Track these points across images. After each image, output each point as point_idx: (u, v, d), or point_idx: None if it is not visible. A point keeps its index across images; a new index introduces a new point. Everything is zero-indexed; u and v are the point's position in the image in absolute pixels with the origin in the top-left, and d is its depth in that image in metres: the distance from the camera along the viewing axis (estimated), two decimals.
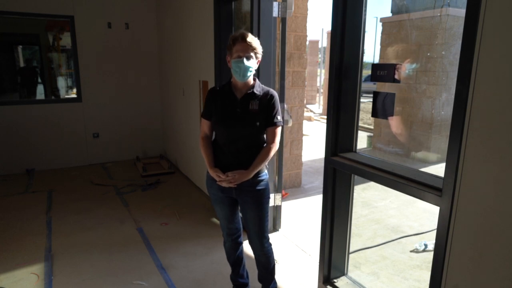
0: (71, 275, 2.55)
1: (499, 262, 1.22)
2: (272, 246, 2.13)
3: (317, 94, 14.32)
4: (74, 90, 5.23)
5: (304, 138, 4.69)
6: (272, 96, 1.90)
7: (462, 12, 1.45)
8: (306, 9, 4.20)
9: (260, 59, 1.89)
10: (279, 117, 1.90)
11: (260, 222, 1.99)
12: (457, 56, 1.28)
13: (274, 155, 1.95)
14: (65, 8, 4.75)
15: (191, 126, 4.30)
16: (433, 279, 1.48)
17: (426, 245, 2.80)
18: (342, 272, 2.27)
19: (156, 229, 3.26)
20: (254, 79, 1.93)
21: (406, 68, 4.18)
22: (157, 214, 3.58)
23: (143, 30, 5.30)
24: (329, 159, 2.07)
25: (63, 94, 5.39)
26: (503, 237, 1.20)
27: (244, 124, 1.86)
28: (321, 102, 12.91)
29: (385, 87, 3.64)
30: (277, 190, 3.09)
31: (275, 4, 2.79)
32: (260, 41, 1.89)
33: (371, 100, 1.89)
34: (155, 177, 4.72)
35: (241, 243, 2.20)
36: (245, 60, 1.79)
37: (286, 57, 3.08)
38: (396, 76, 1.75)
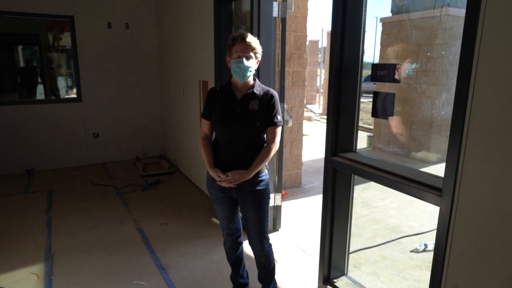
0: (71, 275, 2.55)
1: (499, 262, 1.22)
2: (272, 246, 2.13)
3: (317, 94, 14.32)
4: (74, 90, 5.23)
5: (304, 138, 4.69)
6: (272, 96, 1.90)
7: (462, 12, 1.45)
8: (306, 9, 4.20)
9: (260, 59, 1.89)
10: (279, 117, 1.90)
11: (260, 222, 1.98)
12: (457, 56, 1.28)
13: (274, 155, 1.95)
14: (65, 8, 4.75)
15: (191, 126, 4.30)
16: (433, 279, 1.48)
17: (426, 245, 2.80)
18: (342, 272, 2.27)
19: (156, 229, 3.26)
20: (254, 79, 1.93)
21: (406, 68, 4.18)
22: (157, 214, 3.58)
23: (143, 30, 5.30)
24: (329, 159, 2.07)
25: (63, 94, 5.39)
26: (503, 237, 1.20)
27: (244, 124, 1.86)
28: (321, 102, 12.91)
29: (385, 87, 3.64)
30: (277, 190, 3.09)
31: (275, 4, 2.79)
32: (260, 41, 1.89)
33: (371, 100, 1.89)
34: (155, 177, 4.72)
35: (241, 243, 2.20)
36: (244, 60, 1.79)
37: (286, 57, 3.08)
38: (396, 76, 1.75)
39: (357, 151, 2.10)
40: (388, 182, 1.70)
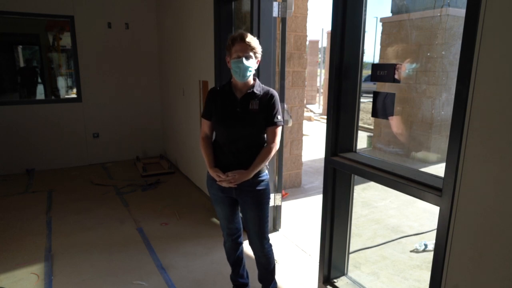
0: (71, 275, 2.55)
1: (499, 262, 1.22)
2: (272, 247, 2.13)
3: (317, 94, 14.32)
4: (74, 90, 5.23)
5: (304, 138, 4.69)
6: (272, 96, 1.90)
7: (462, 12, 1.45)
8: (306, 9, 4.20)
9: (259, 58, 1.89)
10: (279, 117, 1.90)
11: (260, 222, 1.98)
12: (457, 56, 1.28)
13: (274, 155, 1.95)
14: (65, 8, 4.75)
15: (191, 126, 4.30)
16: (433, 279, 1.48)
17: (426, 245, 2.80)
18: (342, 272, 2.27)
19: (156, 229, 3.26)
20: (254, 79, 1.93)
21: (406, 68, 4.18)
22: (157, 214, 3.58)
23: (143, 30, 5.30)
24: (329, 159, 2.07)
25: (63, 94, 5.39)
26: (503, 237, 1.20)
27: (244, 124, 1.86)
28: (321, 102, 12.91)
29: (385, 87, 3.64)
30: (277, 190, 3.09)
31: (275, 4, 2.79)
32: (260, 41, 1.89)
33: (371, 100, 1.89)
34: (155, 177, 4.72)
35: (241, 243, 2.20)
36: (244, 60, 1.79)
37: (286, 57, 3.08)
38: (396, 76, 1.75)
39: (357, 151, 2.10)
40: (388, 182, 1.70)
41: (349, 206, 2.18)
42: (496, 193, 1.20)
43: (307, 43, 8.58)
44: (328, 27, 14.73)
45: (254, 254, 2.11)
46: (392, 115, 1.85)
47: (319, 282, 2.26)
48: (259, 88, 1.90)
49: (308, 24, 4.24)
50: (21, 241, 3.02)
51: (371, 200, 3.89)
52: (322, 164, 2.17)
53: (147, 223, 3.37)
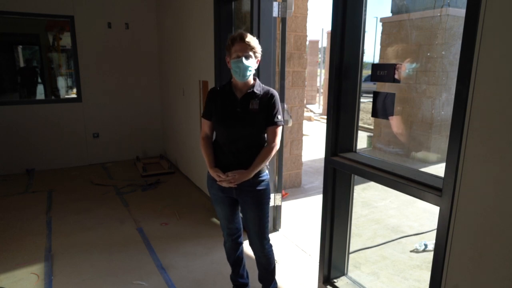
0: (71, 275, 2.55)
1: (499, 262, 1.22)
2: (273, 247, 2.13)
3: (317, 94, 14.32)
4: (74, 90, 5.23)
5: (304, 138, 4.69)
6: (272, 96, 1.90)
7: (462, 12, 1.45)
8: (306, 9, 4.20)
9: (259, 58, 1.89)
10: (279, 117, 1.90)
11: (260, 223, 1.98)
12: (457, 56, 1.28)
13: (274, 155, 1.95)
14: (65, 8, 4.75)
15: (191, 126, 4.30)
16: (433, 279, 1.48)
17: (426, 245, 2.80)
18: (342, 272, 2.27)
19: (156, 229, 3.26)
20: (255, 79, 1.93)
21: (406, 68, 4.18)
22: (157, 214, 3.58)
23: (143, 30, 5.30)
24: (329, 159, 2.07)
25: (63, 94, 5.39)
26: (503, 237, 1.20)
27: (244, 123, 1.86)
28: (321, 102, 12.91)
29: (385, 87, 3.64)
30: (277, 190, 3.09)
31: (275, 4, 2.79)
32: (260, 41, 1.89)
33: (371, 100, 1.89)
34: (155, 177, 4.72)
35: (241, 243, 2.20)
36: (244, 59, 1.78)
37: (286, 57, 3.08)
38: (396, 76, 1.75)
39: (357, 151, 2.10)
40: (388, 182, 1.70)
41: (349, 206, 2.18)
42: (496, 193, 1.20)
43: (307, 43, 8.58)
44: (328, 27, 14.74)
45: (255, 254, 2.11)
46: (392, 115, 1.85)
47: (319, 282, 2.26)
48: (259, 88, 1.90)
49: (308, 24, 4.24)
50: (21, 241, 3.02)
51: (371, 200, 3.89)
52: (322, 164, 2.17)
53: (147, 223, 3.37)
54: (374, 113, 1.90)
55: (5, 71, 5.33)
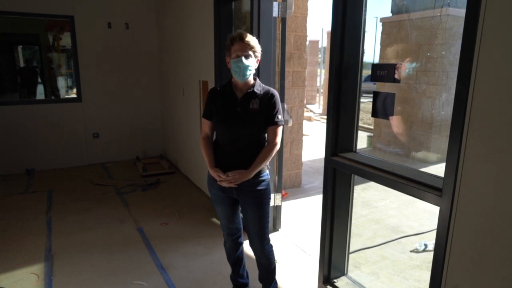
0: (71, 275, 2.55)
1: (499, 262, 1.22)
2: (273, 247, 2.12)
3: (317, 94, 14.32)
4: (74, 90, 5.23)
5: (304, 138, 4.69)
6: (272, 95, 1.89)
7: (462, 12, 1.45)
8: (306, 9, 4.20)
9: (259, 58, 1.89)
10: (280, 116, 1.90)
11: (260, 223, 1.98)
12: (457, 56, 1.28)
13: (274, 155, 1.95)
14: (65, 8, 4.75)
15: (191, 126, 4.30)
16: (433, 279, 1.48)
17: (426, 245, 2.80)
18: (342, 272, 2.27)
19: (156, 229, 3.26)
20: (255, 79, 1.93)
21: (406, 67, 4.18)
22: (157, 214, 3.58)
23: (143, 30, 5.30)
24: (329, 159, 2.07)
25: (63, 94, 5.39)
26: (503, 237, 1.20)
27: (245, 123, 1.86)
28: (321, 102, 12.91)
29: (385, 87, 3.64)
30: (277, 190, 3.09)
31: (275, 4, 2.79)
32: (260, 41, 1.89)
33: (371, 100, 1.89)
34: (155, 177, 4.72)
35: (241, 243, 2.19)
36: (243, 59, 1.78)
37: (286, 57, 3.08)
38: (396, 76, 1.75)
39: (357, 151, 2.09)
40: (388, 182, 1.70)
41: (349, 206, 2.18)
42: (496, 193, 1.20)
43: (307, 43, 8.58)
44: (328, 27, 14.74)
45: (255, 254, 2.11)
46: (392, 115, 1.85)
47: (319, 282, 2.26)
48: (259, 87, 1.90)
49: (308, 24, 4.24)
50: (21, 241, 3.02)
51: (371, 200, 3.89)
52: (322, 164, 2.17)
53: (147, 223, 3.37)
54: (374, 113, 1.90)
55: (5, 71, 5.33)
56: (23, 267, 2.64)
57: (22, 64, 5.43)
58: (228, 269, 2.39)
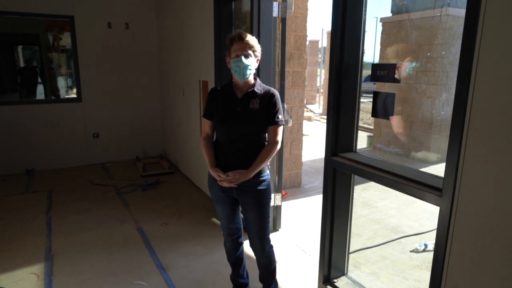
0: (71, 275, 2.55)
1: (499, 262, 1.22)
2: (273, 248, 2.12)
3: (317, 94, 14.32)
4: (74, 90, 5.23)
5: (304, 138, 4.69)
6: (273, 95, 1.89)
7: (462, 12, 1.45)
8: (306, 9, 4.20)
9: (259, 57, 1.89)
10: (280, 116, 1.90)
11: (260, 223, 1.98)
12: (457, 56, 1.28)
13: (274, 154, 1.95)
14: (65, 8, 4.75)
15: (191, 126, 4.30)
16: (433, 279, 1.48)
17: (426, 245, 2.80)
18: (342, 272, 2.27)
19: (156, 229, 3.26)
20: (255, 79, 1.93)
21: (406, 67, 4.18)
22: (157, 214, 3.58)
23: (143, 30, 5.30)
24: (329, 159, 2.07)
25: (63, 94, 5.39)
26: (503, 237, 1.20)
27: (245, 123, 1.86)
28: (321, 102, 12.91)
29: (385, 87, 3.64)
30: (277, 190, 3.09)
31: (275, 4, 2.79)
32: (260, 41, 1.89)
33: (371, 100, 1.89)
34: (155, 177, 4.72)
35: (241, 244, 2.19)
36: (243, 58, 1.78)
37: (286, 57, 3.08)
38: (396, 76, 1.75)
39: (357, 151, 2.09)
40: (388, 182, 1.70)
41: (349, 206, 2.18)
42: (496, 193, 1.20)
43: (307, 43, 8.58)
44: (328, 27, 14.74)
45: (255, 255, 2.11)
46: (392, 115, 1.85)
47: (319, 282, 2.26)
48: (259, 87, 1.90)
49: (308, 24, 4.24)
50: (21, 241, 3.02)
51: (371, 200, 3.89)
52: (322, 164, 2.17)
53: (147, 223, 3.37)
54: (374, 113, 1.90)
55: (5, 71, 5.33)
56: (23, 267, 2.64)
57: (22, 64, 5.44)
58: (228, 269, 2.39)
